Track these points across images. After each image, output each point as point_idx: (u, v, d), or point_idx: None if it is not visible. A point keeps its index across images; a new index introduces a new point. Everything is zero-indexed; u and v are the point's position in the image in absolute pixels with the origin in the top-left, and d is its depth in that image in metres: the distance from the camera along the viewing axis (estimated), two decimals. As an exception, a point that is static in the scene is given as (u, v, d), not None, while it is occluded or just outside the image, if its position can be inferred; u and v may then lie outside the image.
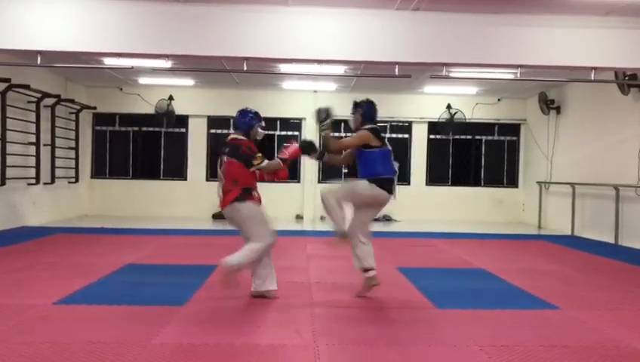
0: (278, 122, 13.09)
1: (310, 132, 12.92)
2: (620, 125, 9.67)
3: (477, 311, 4.78)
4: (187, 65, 8.86)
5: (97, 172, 13.36)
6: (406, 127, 13.68)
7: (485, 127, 13.70)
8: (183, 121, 13.26)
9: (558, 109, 11.86)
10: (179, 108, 12.95)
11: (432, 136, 13.71)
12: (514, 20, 6.81)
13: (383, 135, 5.17)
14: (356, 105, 5.20)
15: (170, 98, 12.83)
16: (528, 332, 4.16)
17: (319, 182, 13.27)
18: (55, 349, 3.55)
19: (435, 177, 13.73)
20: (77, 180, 12.30)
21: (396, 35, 6.77)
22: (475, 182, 13.80)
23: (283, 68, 9.37)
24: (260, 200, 4.97)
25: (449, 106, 13.20)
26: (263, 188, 5.07)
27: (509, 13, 6.76)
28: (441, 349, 3.77)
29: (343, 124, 11.71)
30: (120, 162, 13.41)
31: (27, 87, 9.67)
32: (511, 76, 8.63)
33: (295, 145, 5.04)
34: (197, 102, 13.14)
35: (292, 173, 12.73)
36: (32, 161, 10.36)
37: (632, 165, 9.10)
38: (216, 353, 3.57)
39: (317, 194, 12.03)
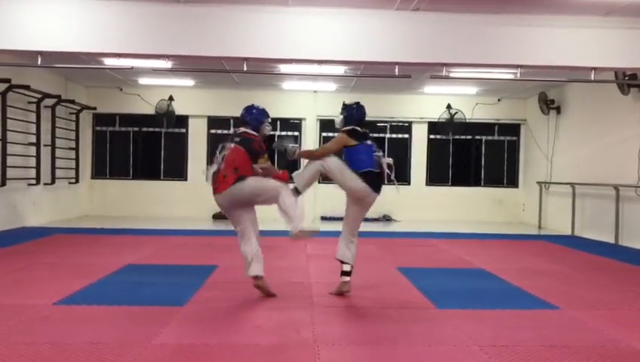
0: (278, 122, 13.11)
1: (310, 132, 12.95)
2: (620, 125, 9.67)
3: (477, 311, 4.78)
4: (187, 65, 8.86)
5: (97, 172, 13.37)
6: (406, 127, 13.68)
7: (485, 127, 13.70)
8: (183, 121, 13.26)
9: (558, 109, 11.86)
10: (179, 108, 12.96)
11: (432, 136, 13.71)
12: (514, 20, 6.81)
13: (366, 132, 5.21)
14: (343, 108, 5.33)
15: (171, 98, 12.84)
16: (528, 332, 4.16)
17: (319, 182, 13.24)
18: (55, 349, 3.55)
19: (435, 177, 13.73)
20: (77, 181, 12.30)
21: (396, 35, 6.77)
22: (475, 182, 13.79)
23: (283, 68, 9.37)
24: None
25: (449, 106, 13.20)
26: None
27: (509, 13, 6.76)
28: (441, 349, 3.77)
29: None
30: (120, 162, 13.41)
31: (27, 87, 9.67)
32: (511, 76, 8.63)
33: (285, 174, 5.12)
34: (197, 103, 13.14)
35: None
36: (33, 162, 10.37)
37: (632, 165, 9.10)
38: (216, 353, 3.56)
39: (317, 195, 12.06)
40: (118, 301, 4.84)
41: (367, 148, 5.07)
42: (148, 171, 13.41)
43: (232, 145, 4.95)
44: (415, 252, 8.36)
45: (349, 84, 11.95)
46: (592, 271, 6.95)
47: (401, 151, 13.50)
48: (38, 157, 10.39)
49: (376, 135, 12.83)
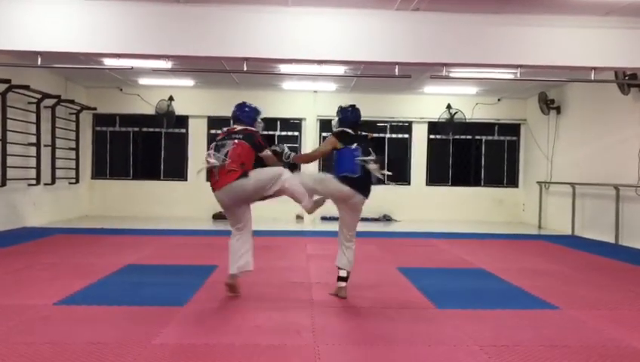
0: (278, 122, 13.09)
1: (310, 132, 12.94)
2: (620, 125, 9.67)
3: (477, 311, 4.78)
4: (187, 65, 8.86)
5: (98, 172, 13.37)
6: (406, 127, 13.68)
7: (485, 127, 13.70)
8: (183, 121, 13.26)
9: (558, 109, 11.86)
10: (179, 108, 12.96)
11: (432, 136, 13.71)
12: (514, 20, 6.80)
13: (360, 134, 5.17)
14: (338, 110, 5.36)
15: (171, 98, 12.84)
16: (528, 332, 4.16)
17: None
18: (55, 350, 3.55)
19: (435, 177, 13.73)
20: (77, 181, 12.30)
21: (396, 35, 6.77)
22: (475, 182, 13.80)
23: (283, 68, 9.37)
24: None
25: (449, 106, 13.20)
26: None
27: (509, 13, 6.76)
28: (441, 349, 3.77)
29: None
30: (120, 163, 13.41)
31: (27, 87, 9.68)
32: (511, 76, 8.63)
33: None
34: (197, 103, 13.14)
35: (292, 174, 12.72)
36: (33, 162, 10.37)
37: (632, 165, 9.10)
38: (216, 353, 3.56)
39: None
40: (118, 301, 4.84)
41: (350, 153, 5.01)
42: (148, 171, 13.41)
43: (235, 140, 4.96)
44: (415, 252, 8.36)
45: (349, 84, 11.95)
46: (592, 271, 6.95)
47: (401, 151, 13.51)
48: (38, 157, 10.39)
49: (376, 135, 12.83)
